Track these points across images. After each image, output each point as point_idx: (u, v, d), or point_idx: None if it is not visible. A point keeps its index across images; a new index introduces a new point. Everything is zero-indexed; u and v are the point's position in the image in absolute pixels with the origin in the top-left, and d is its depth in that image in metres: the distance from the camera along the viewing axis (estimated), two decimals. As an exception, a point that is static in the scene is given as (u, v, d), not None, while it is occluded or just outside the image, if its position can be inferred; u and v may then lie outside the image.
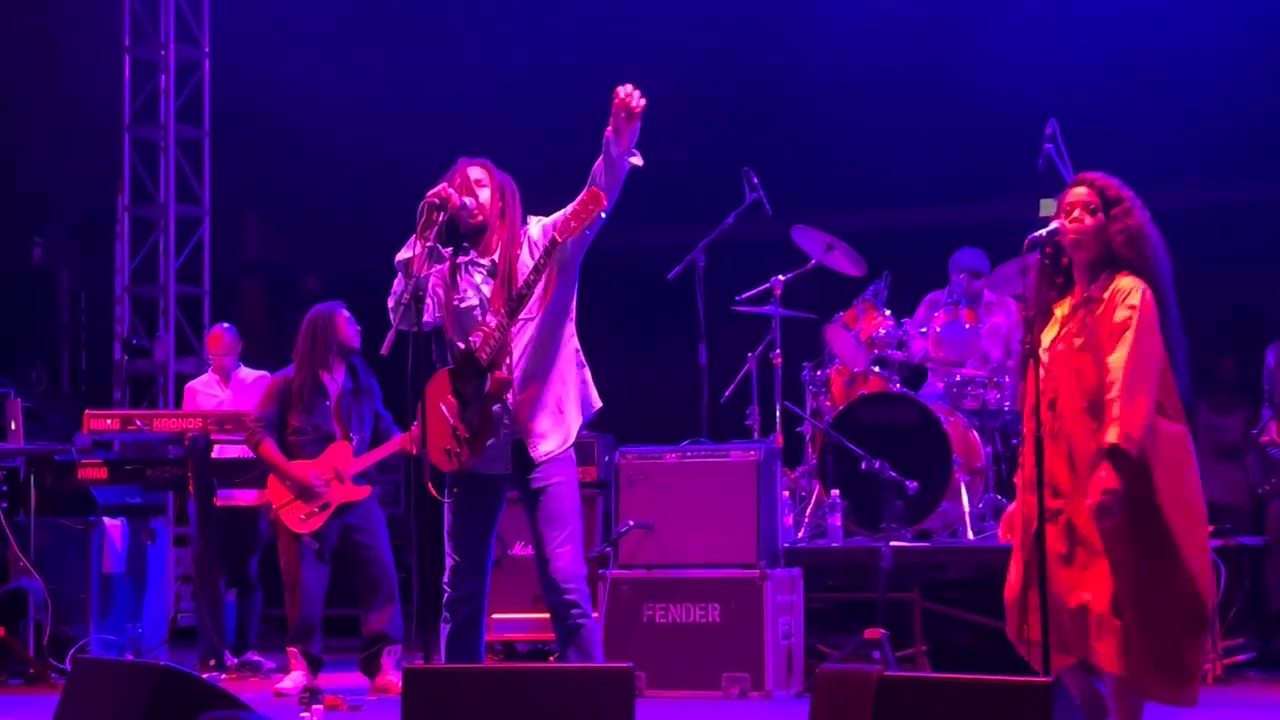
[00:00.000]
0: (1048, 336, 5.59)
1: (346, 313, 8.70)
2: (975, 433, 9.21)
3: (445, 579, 6.21)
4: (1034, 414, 5.40)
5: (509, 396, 6.09)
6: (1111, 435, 5.32)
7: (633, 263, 10.69)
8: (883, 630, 7.76)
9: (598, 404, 6.32)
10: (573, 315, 6.24)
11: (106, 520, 9.58)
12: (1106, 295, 5.48)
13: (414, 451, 8.44)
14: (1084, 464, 5.43)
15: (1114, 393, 5.35)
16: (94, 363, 13.99)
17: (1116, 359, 5.39)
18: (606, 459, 9.12)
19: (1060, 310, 5.62)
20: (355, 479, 8.54)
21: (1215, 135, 11.45)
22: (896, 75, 12.15)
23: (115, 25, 12.88)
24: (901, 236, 12.02)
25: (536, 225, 6.20)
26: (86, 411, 9.63)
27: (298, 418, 8.58)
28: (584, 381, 6.29)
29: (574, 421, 6.21)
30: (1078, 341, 5.50)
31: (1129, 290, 5.45)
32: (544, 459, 6.12)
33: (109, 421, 9.58)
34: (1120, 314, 5.43)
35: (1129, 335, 5.40)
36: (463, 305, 6.20)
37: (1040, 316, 5.62)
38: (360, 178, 12.97)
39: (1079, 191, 5.62)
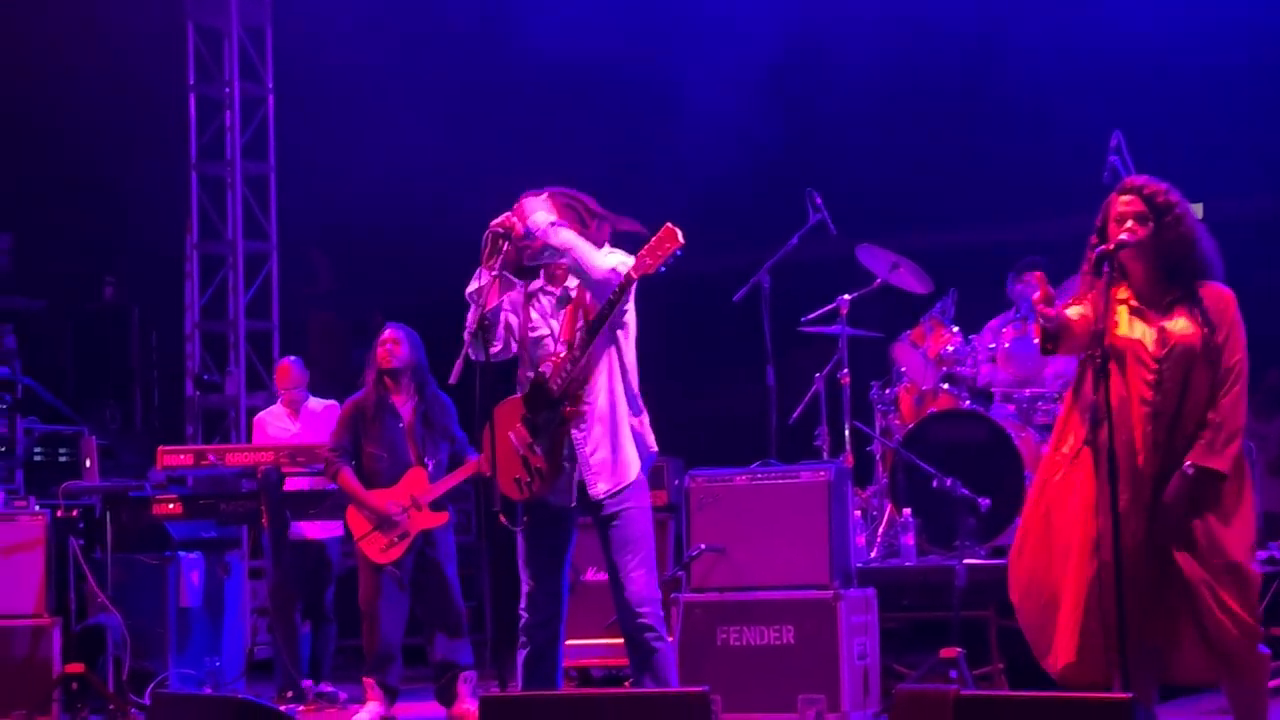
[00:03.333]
0: (1134, 331, 5.57)
1: (388, 332, 8.68)
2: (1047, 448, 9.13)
3: (522, 605, 6.23)
4: (1098, 424, 5.39)
5: (575, 430, 6.10)
6: (1219, 462, 5.33)
7: (699, 286, 10.69)
8: (959, 649, 7.71)
9: (654, 449, 6.32)
10: (630, 363, 6.22)
11: (182, 555, 9.65)
12: (1192, 306, 5.47)
13: (488, 473, 8.49)
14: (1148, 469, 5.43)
15: (1220, 416, 5.38)
16: (166, 399, 14.11)
17: (1229, 386, 5.42)
18: (676, 483, 9.11)
19: (1126, 317, 5.60)
20: (432, 505, 8.54)
21: (1272, 145, 11.38)
22: (958, 91, 12.11)
23: (180, 64, 13.03)
24: (967, 253, 11.97)
25: (613, 256, 6.16)
26: (160, 448, 9.70)
27: (372, 444, 8.61)
28: (642, 426, 6.27)
29: (632, 461, 6.19)
30: (1162, 351, 5.48)
31: (1225, 306, 5.48)
32: (601, 496, 6.12)
33: (182, 457, 9.64)
34: (1225, 332, 5.47)
35: (1239, 362, 5.44)
36: (534, 334, 6.22)
37: (1108, 330, 5.60)
38: (426, 209, 13.02)
39: (1127, 200, 5.61)
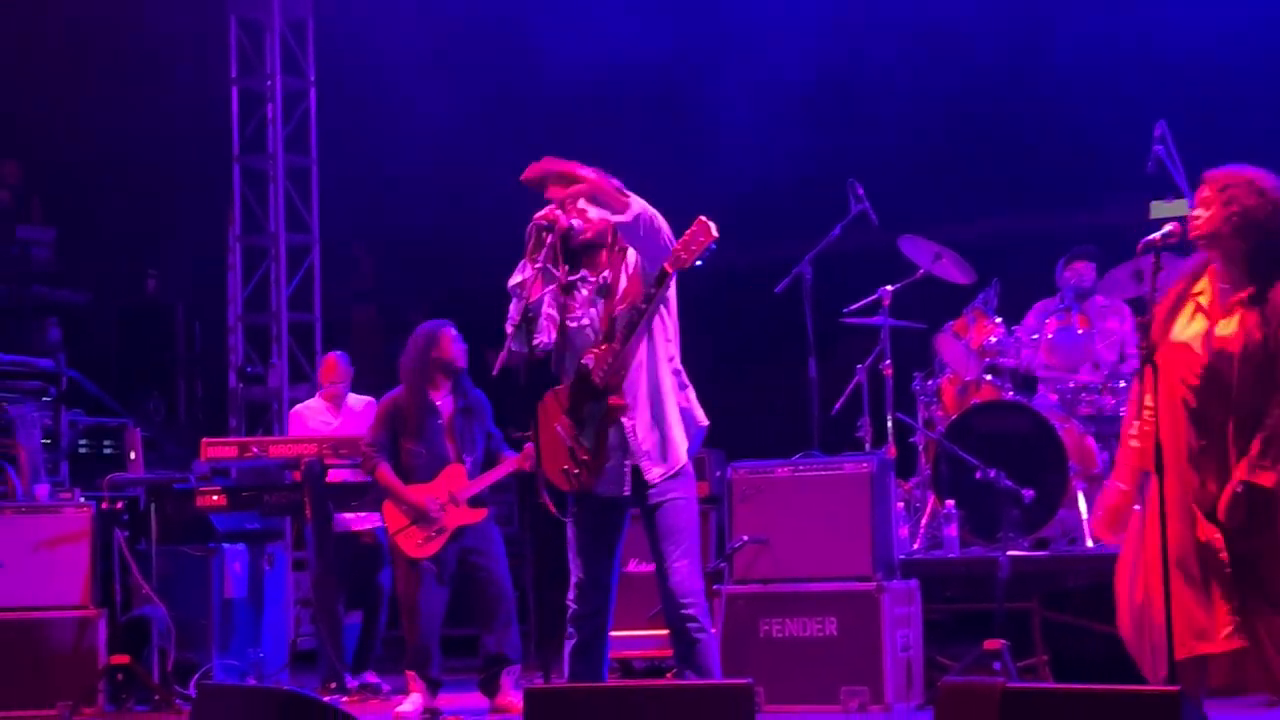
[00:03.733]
0: (1187, 330, 5.48)
1: (452, 331, 8.72)
2: (1091, 439, 9.11)
3: (570, 595, 6.23)
4: (1149, 418, 5.33)
5: (623, 419, 6.10)
6: (1266, 477, 5.25)
7: (740, 277, 10.68)
8: (1003, 641, 7.68)
9: (704, 422, 6.32)
10: (670, 336, 6.23)
11: (226, 546, 9.69)
12: (1258, 306, 5.35)
13: (529, 469, 8.49)
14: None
15: (1271, 427, 5.27)
16: (210, 391, 14.19)
17: None
18: (718, 474, 9.10)
19: (1188, 315, 5.51)
20: (470, 502, 8.56)
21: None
22: (1001, 80, 12.06)
23: (222, 57, 13.07)
24: (1010, 243, 11.92)
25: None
26: (204, 440, 9.73)
27: (410, 440, 8.63)
28: (689, 401, 6.28)
29: (681, 442, 6.20)
30: (1237, 345, 5.39)
31: None
32: (657, 481, 6.13)
33: (226, 449, 9.66)
34: None
35: None
36: (575, 325, 6.22)
37: (1157, 320, 5.53)
38: (466, 201, 13.05)
39: (1201, 191, 5.52)
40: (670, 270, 6.01)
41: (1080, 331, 9.30)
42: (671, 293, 6.22)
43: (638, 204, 6.01)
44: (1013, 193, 12.17)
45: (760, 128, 11.92)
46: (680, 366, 6.25)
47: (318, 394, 10.24)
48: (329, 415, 10.00)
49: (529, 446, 8.31)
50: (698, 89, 12.31)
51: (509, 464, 8.58)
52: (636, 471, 6.13)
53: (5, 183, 14.35)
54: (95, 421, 11.84)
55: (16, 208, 14.36)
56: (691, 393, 6.29)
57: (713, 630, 6.39)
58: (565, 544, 6.29)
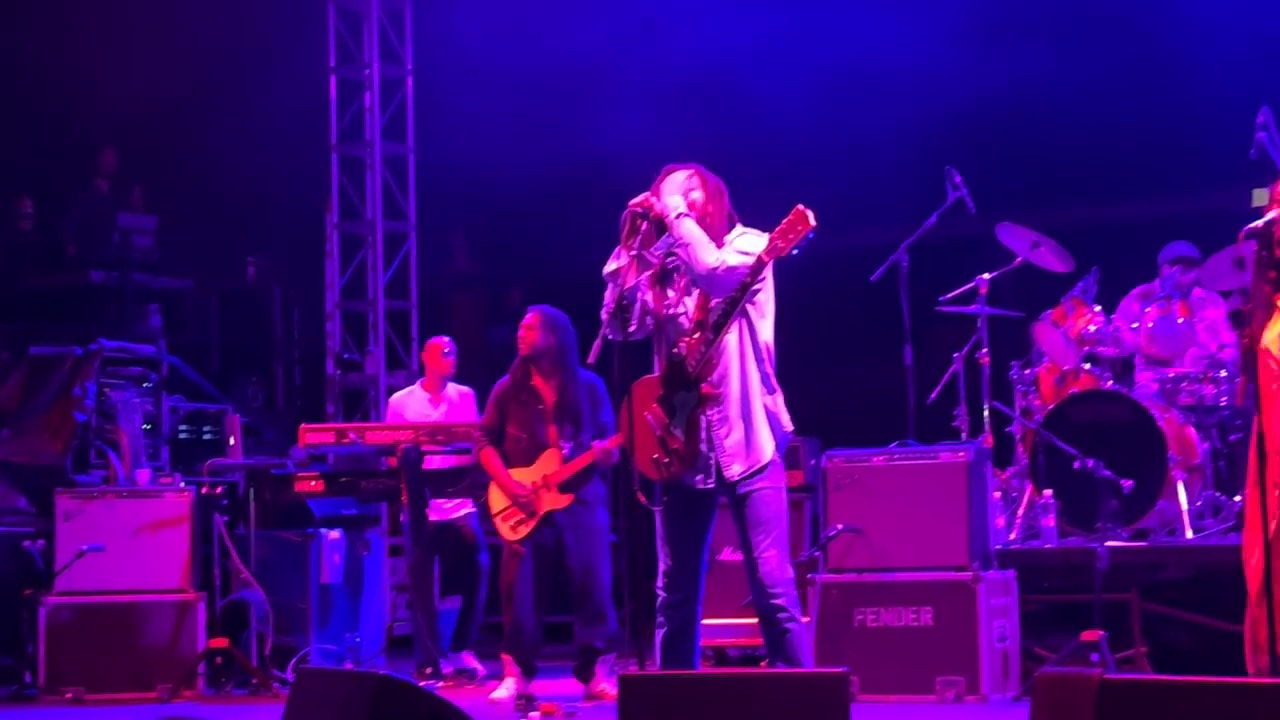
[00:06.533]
0: (1272, 332, 5.42)
1: (548, 317, 8.69)
2: (1192, 429, 9.00)
3: (659, 584, 6.23)
4: (1255, 413, 5.27)
5: (711, 412, 6.09)
6: None
7: (836, 265, 10.63)
8: (1101, 632, 7.62)
9: (789, 428, 6.29)
10: (764, 338, 6.20)
11: (323, 532, 9.78)
12: None
13: (612, 460, 8.51)
14: None
15: None
16: (307, 378, 14.31)
17: None
18: (813, 463, 9.07)
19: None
20: (561, 487, 8.57)
21: None
22: (1097, 66, 11.92)
23: (321, 46, 13.17)
24: (1109, 231, 11.79)
25: (746, 239, 6.16)
26: (302, 426, 9.81)
27: (514, 425, 8.67)
28: (776, 406, 6.24)
29: (766, 441, 6.17)
30: None
31: None
32: (736, 478, 6.11)
33: (324, 435, 9.74)
34: None
35: None
36: (669, 313, 6.21)
37: (1260, 310, 5.46)
38: (562, 188, 13.06)
39: None
40: (767, 259, 5.99)
41: (1180, 320, 9.18)
42: (767, 298, 6.18)
43: (681, 227, 6.00)
44: (1113, 180, 12.03)
45: (859, 111, 11.86)
46: (770, 371, 6.22)
47: (418, 382, 10.28)
48: (429, 407, 10.00)
49: (612, 439, 8.34)
50: (797, 72, 12.25)
51: (596, 450, 8.55)
52: (719, 466, 6.13)
53: (104, 172, 14.53)
54: (195, 407, 11.98)
55: (117, 196, 14.54)
56: (780, 398, 6.25)
57: (803, 620, 6.37)
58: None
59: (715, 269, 6.03)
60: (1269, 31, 11.26)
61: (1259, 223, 5.43)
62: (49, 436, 10.53)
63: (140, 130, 14.23)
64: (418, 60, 13.30)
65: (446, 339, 10.09)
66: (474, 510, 9.65)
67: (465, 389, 10.05)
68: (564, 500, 8.57)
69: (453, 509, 9.74)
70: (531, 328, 8.68)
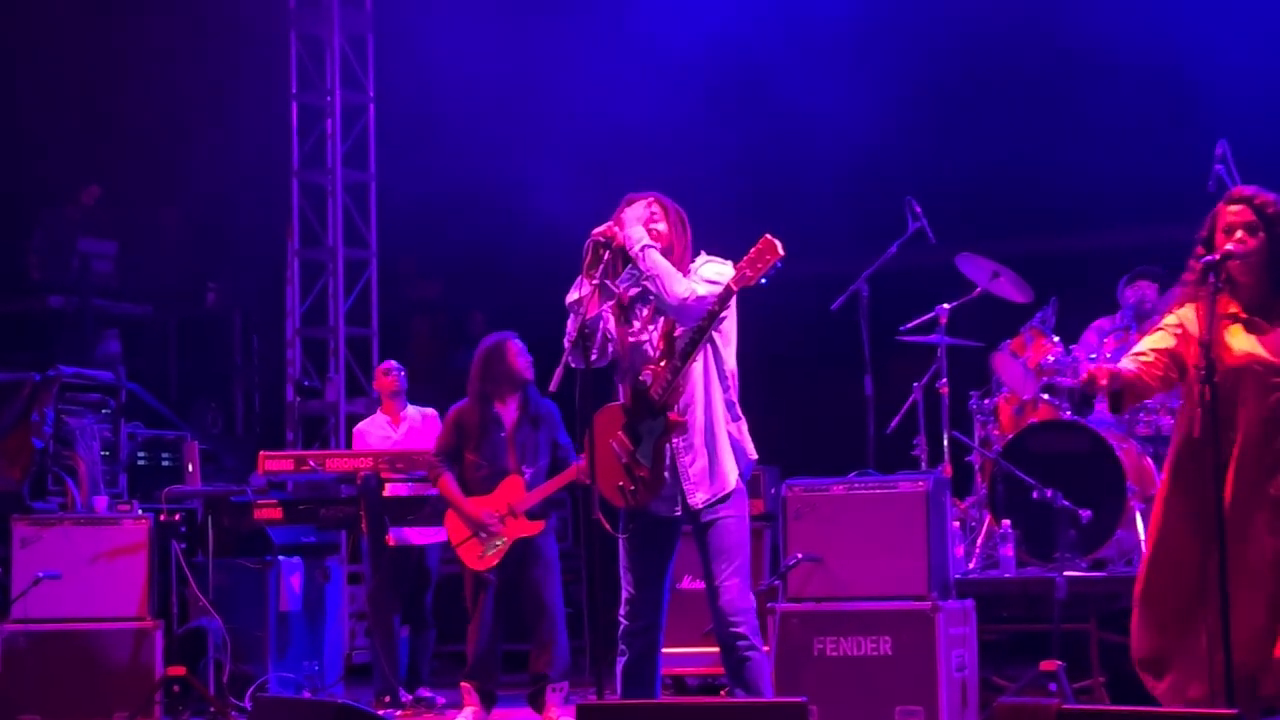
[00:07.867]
0: (1245, 345, 5.47)
1: (517, 343, 8.75)
2: (1149, 459, 9.05)
3: (621, 611, 6.23)
4: (1212, 442, 5.31)
5: (676, 439, 6.10)
6: None
7: (796, 294, 10.65)
8: (1059, 662, 7.64)
9: (753, 456, 6.31)
10: (728, 367, 6.22)
11: (282, 560, 9.75)
12: None
13: (586, 482, 8.50)
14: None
15: None
16: (267, 404, 14.27)
17: None
18: (773, 492, 9.09)
19: (1237, 334, 5.51)
20: (529, 514, 8.56)
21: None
22: (1060, 98, 12.00)
23: (283, 72, 13.16)
24: (1068, 261, 11.85)
25: (710, 266, 6.18)
26: (261, 453, 9.78)
27: (473, 452, 8.66)
28: (740, 433, 6.26)
29: (730, 469, 6.19)
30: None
31: None
32: (700, 505, 6.13)
33: (283, 462, 9.72)
34: None
35: None
36: (633, 341, 6.22)
37: (1221, 349, 5.51)
38: (524, 217, 13.07)
39: (1236, 210, 5.52)
40: (734, 288, 6.00)
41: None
42: (731, 326, 6.21)
43: (648, 259, 6.03)
44: (1071, 212, 12.10)
45: (817, 139, 11.89)
46: (735, 399, 6.24)
47: (378, 409, 10.30)
48: (390, 429, 10.04)
49: (585, 460, 8.33)
50: (761, 100, 12.29)
51: (565, 475, 8.56)
52: (684, 493, 6.14)
53: (83, 203, 14.46)
54: (154, 434, 11.92)
55: (83, 221, 14.48)
56: (744, 426, 6.28)
57: (764, 649, 6.38)
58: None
59: (685, 299, 6.05)
60: (1226, 65, 11.36)
61: (1215, 255, 5.50)
62: (6, 463, 10.48)
63: (101, 154, 14.18)
64: (380, 87, 13.30)
65: (390, 361, 10.18)
66: (440, 540, 9.60)
67: (429, 410, 10.06)
68: (535, 528, 8.55)
69: (418, 536, 9.71)
70: (525, 353, 8.73)
